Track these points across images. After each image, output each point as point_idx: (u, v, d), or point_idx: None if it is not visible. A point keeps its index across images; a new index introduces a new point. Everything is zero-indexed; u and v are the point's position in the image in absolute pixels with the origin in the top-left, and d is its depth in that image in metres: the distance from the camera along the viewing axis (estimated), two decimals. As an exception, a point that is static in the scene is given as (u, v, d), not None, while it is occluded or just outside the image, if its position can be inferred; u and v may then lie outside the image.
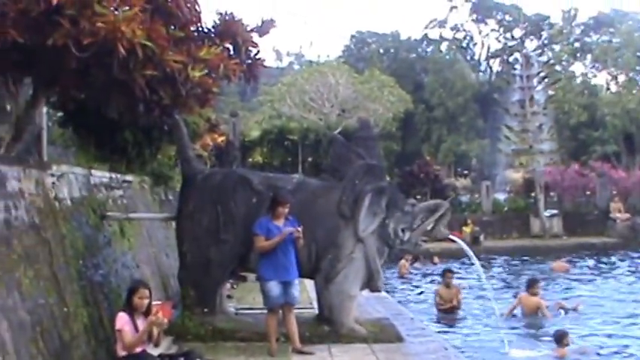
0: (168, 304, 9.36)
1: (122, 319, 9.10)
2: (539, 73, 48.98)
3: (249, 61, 10.59)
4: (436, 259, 30.92)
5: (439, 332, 15.04)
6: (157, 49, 8.36)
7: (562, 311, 18.79)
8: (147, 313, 9.35)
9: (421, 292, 24.22)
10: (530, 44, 79.86)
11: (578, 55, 75.91)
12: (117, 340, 9.21)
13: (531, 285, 18.45)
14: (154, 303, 9.20)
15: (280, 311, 11.41)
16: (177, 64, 8.74)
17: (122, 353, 9.15)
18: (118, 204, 14.27)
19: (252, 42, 10.44)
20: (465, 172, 69.77)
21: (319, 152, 45.44)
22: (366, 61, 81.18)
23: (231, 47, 10.25)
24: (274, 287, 11.09)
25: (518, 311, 18.31)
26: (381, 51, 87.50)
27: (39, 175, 10.02)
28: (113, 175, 14.57)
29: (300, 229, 10.94)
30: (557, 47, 77.80)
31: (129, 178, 15.99)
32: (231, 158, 29.20)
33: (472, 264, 17.39)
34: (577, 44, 76.96)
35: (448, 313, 18.91)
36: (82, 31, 7.80)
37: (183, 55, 8.87)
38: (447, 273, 19.44)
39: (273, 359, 10.91)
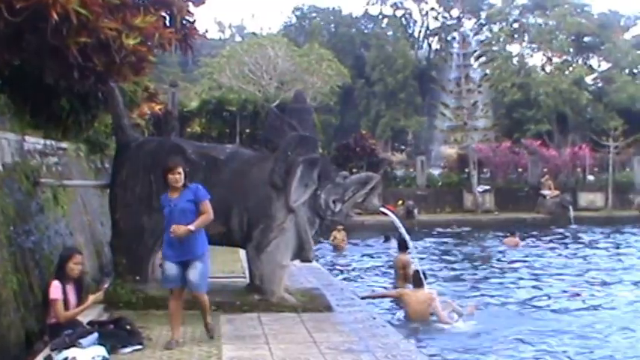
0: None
1: (57, 289, 9.12)
2: (475, 51, 49.83)
3: (185, 31, 10.64)
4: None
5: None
6: (91, 15, 8.38)
7: (455, 315, 15.07)
8: (78, 280, 9.45)
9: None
10: (469, 23, 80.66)
11: (516, 35, 76.60)
12: (49, 307, 9.24)
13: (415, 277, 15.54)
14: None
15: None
16: (111, 31, 8.78)
17: (52, 321, 9.22)
18: (52, 171, 14.19)
19: (188, 11, 10.50)
20: (402, 147, 70.39)
21: (257, 124, 45.23)
22: (307, 35, 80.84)
23: (167, 16, 10.28)
24: (170, 268, 9.74)
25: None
26: (322, 24, 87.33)
27: (-30, 139, 9.97)
28: (48, 142, 14.47)
29: (175, 227, 9.43)
30: (495, 27, 78.51)
31: (64, 145, 15.88)
32: (169, 128, 29.15)
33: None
34: (516, 25, 77.61)
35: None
36: (15, -6, 7.80)
37: (117, 23, 8.89)
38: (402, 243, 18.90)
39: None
